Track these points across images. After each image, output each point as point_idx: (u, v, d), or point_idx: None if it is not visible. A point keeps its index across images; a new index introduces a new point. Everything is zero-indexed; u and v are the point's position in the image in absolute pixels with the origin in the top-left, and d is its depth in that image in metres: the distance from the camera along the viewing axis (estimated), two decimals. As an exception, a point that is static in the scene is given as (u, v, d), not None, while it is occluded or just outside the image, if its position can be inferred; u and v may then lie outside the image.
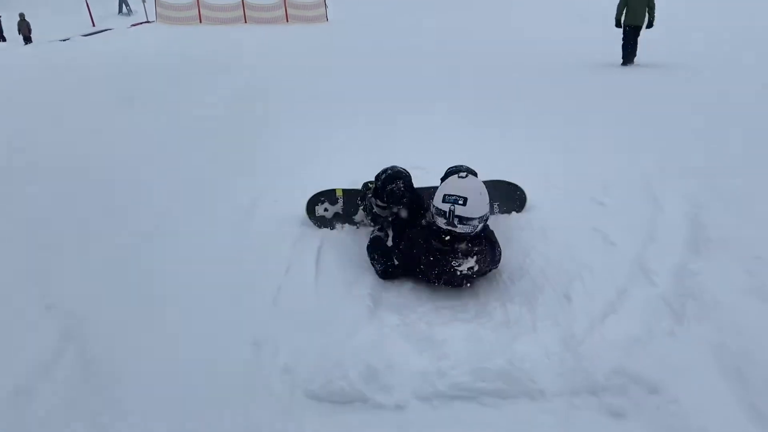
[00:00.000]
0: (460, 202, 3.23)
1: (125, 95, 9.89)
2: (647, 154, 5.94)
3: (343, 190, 4.39)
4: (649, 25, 10.94)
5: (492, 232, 3.59)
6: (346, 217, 4.40)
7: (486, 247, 3.39)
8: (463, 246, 3.29)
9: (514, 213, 4.47)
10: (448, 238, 3.30)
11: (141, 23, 26.08)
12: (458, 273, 3.32)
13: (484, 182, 3.51)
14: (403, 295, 3.45)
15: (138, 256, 3.99)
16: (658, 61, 11.19)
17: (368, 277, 3.66)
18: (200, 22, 25.94)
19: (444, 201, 3.27)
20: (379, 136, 6.54)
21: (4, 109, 9.33)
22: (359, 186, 4.40)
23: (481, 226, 3.32)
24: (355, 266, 3.80)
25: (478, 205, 3.26)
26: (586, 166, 5.59)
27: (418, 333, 3.06)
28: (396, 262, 3.59)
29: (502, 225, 4.22)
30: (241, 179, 5.41)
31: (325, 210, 4.38)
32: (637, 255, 3.76)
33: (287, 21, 26.31)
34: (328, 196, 4.38)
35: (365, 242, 4.03)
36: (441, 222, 3.31)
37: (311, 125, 7.32)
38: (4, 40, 20.37)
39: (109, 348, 2.99)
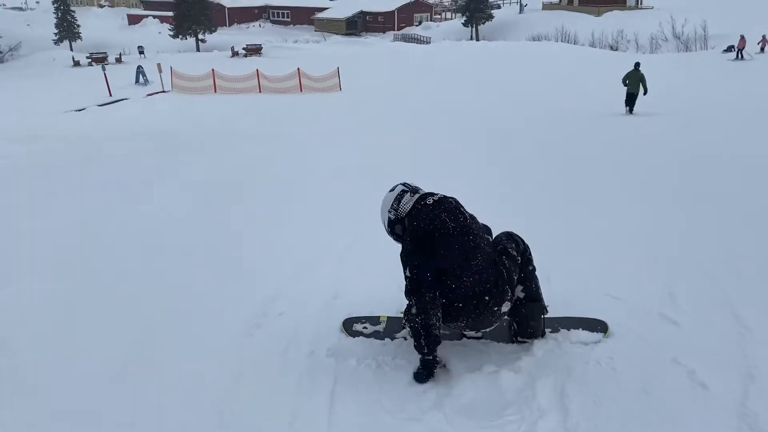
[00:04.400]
0: None
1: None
2: (707, 241, 5.24)
3: (388, 317, 3.93)
4: (645, 93, 15.96)
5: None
6: (386, 334, 3.78)
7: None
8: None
9: (572, 335, 3.66)
10: None
11: (157, 93, 26.18)
12: None
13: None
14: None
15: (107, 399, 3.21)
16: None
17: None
18: (215, 91, 25.99)
19: None
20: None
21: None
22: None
23: (388, 230, 3.44)
24: (379, 422, 2.98)
25: (380, 212, 3.43)
26: (642, 262, 4.86)
27: None
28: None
29: (560, 354, 3.42)
30: (238, 284, 4.66)
31: (364, 328, 3.86)
32: (739, 405, 2.94)
33: (301, 90, 26.32)
34: (370, 320, 3.93)
35: (389, 379, 3.26)
36: None
37: (322, 212, 6.62)
38: None
39: None
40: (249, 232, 6.04)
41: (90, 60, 39.52)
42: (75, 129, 15.50)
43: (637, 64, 16.37)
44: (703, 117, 14.31)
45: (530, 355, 3.42)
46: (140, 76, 30.03)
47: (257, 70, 26.98)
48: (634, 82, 15.92)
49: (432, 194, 3.38)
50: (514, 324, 3.58)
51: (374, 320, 3.93)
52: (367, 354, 3.54)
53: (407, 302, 3.30)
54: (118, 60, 40.17)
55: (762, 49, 30.41)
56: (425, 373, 3.26)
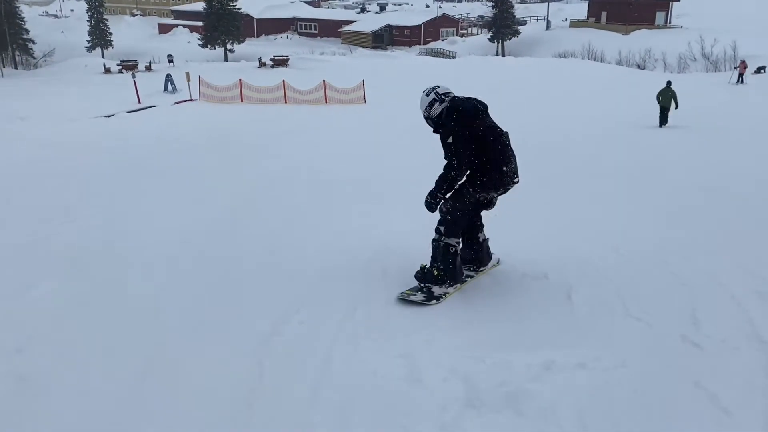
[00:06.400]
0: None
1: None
2: (730, 261, 5.18)
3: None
4: (676, 107, 17.51)
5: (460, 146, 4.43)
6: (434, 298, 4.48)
7: (446, 141, 4.47)
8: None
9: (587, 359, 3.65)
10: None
11: (185, 101, 26.62)
12: None
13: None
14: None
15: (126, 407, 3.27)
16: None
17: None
18: (242, 101, 26.34)
19: None
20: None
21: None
22: None
23: (429, 120, 4.66)
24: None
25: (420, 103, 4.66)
26: (664, 282, 4.80)
27: None
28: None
29: (582, 376, 3.40)
30: (260, 290, 4.71)
31: (414, 295, 4.51)
32: (763, 431, 2.90)
33: (326, 102, 26.57)
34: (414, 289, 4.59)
35: (407, 394, 3.27)
36: None
37: (346, 220, 6.65)
38: None
39: None
40: (273, 238, 6.08)
41: (120, 67, 40.30)
42: (103, 134, 15.82)
43: (669, 83, 18.20)
44: (728, 130, 15.12)
45: (552, 375, 3.41)
46: (169, 84, 30.54)
47: (283, 81, 27.29)
48: (667, 98, 17.55)
49: (456, 97, 4.66)
50: (475, 262, 4.94)
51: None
52: (386, 367, 3.55)
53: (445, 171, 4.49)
54: (148, 68, 40.92)
55: None
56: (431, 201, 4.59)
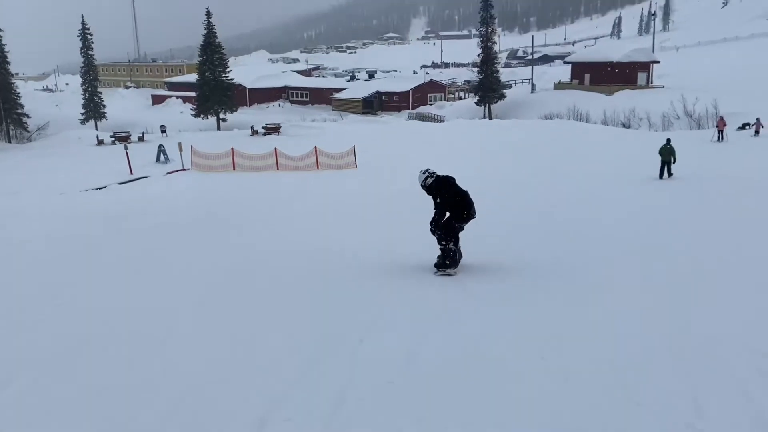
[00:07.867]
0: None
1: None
2: (730, 338, 5.03)
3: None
4: (674, 162, 19.34)
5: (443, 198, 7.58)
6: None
7: (436, 200, 7.58)
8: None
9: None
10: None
11: (177, 171, 26.74)
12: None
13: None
14: None
15: None
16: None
17: None
18: (234, 169, 26.50)
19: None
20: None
21: None
22: None
23: (425, 189, 7.63)
24: None
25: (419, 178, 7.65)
26: (664, 364, 4.65)
27: None
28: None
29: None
30: (246, 381, 4.53)
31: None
32: None
33: (318, 168, 26.78)
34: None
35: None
36: None
37: (332, 300, 6.53)
38: None
39: None
40: (258, 322, 5.95)
41: (113, 139, 40.71)
42: (92, 209, 15.74)
43: (668, 140, 20.11)
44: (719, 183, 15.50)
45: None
46: (161, 154, 30.75)
47: (275, 148, 27.57)
48: (666, 154, 19.49)
49: (439, 175, 7.64)
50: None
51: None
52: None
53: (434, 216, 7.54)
54: (141, 139, 41.34)
55: (756, 132, 30.41)
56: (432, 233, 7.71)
